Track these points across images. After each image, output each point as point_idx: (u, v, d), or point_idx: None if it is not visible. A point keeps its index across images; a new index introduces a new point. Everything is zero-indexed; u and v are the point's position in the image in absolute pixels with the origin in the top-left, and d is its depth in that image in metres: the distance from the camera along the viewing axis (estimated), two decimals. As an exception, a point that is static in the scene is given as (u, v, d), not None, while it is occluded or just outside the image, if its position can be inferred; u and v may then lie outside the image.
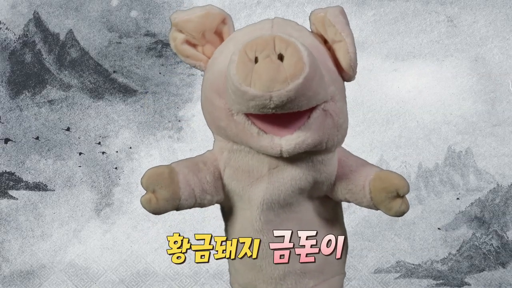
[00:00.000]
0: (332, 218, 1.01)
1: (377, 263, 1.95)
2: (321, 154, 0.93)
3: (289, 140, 0.87)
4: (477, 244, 1.97)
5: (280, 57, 0.81)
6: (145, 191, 0.90)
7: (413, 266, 1.95)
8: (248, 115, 0.87)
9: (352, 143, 0.99)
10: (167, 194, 0.89)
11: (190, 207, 0.93)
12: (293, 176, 0.92)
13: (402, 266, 1.95)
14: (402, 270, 1.94)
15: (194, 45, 0.94)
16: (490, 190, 1.99)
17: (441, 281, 1.94)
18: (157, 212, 0.90)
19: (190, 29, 0.92)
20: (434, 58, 1.98)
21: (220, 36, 0.95)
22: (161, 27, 2.00)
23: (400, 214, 0.93)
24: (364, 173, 0.95)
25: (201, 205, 0.95)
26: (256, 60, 0.81)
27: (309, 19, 0.93)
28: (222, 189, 0.95)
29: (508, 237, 1.97)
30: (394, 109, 1.97)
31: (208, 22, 0.93)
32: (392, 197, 0.92)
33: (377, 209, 0.95)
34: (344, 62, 0.90)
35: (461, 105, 1.97)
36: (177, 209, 0.92)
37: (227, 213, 1.00)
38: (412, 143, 1.98)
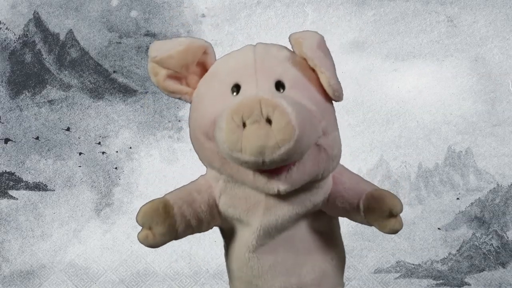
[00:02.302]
0: (328, 232, 1.00)
1: (377, 263, 1.95)
2: (318, 182, 0.92)
3: (286, 179, 0.86)
4: (477, 244, 1.97)
5: (268, 121, 0.79)
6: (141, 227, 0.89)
7: (413, 266, 1.95)
8: None
9: (352, 143, 0.99)
10: (163, 230, 0.89)
11: (188, 235, 0.93)
12: (291, 202, 0.91)
13: (402, 266, 1.95)
14: (402, 270, 1.94)
15: (177, 78, 0.92)
16: (490, 190, 1.99)
17: (441, 281, 1.94)
18: (155, 246, 0.90)
19: (173, 66, 0.90)
20: (434, 58, 1.98)
21: (203, 66, 0.93)
22: (161, 27, 2.00)
23: (394, 232, 0.92)
24: (358, 191, 0.94)
25: (200, 232, 0.95)
26: (244, 125, 0.79)
27: (289, 41, 0.90)
28: (218, 215, 0.95)
29: (508, 237, 1.97)
30: (394, 109, 1.97)
31: (190, 57, 0.90)
32: (385, 217, 0.91)
33: (371, 225, 0.95)
34: (327, 91, 0.88)
35: (461, 105, 1.97)
36: (176, 239, 0.92)
37: (226, 232, 1.00)
38: (412, 143, 1.98)
